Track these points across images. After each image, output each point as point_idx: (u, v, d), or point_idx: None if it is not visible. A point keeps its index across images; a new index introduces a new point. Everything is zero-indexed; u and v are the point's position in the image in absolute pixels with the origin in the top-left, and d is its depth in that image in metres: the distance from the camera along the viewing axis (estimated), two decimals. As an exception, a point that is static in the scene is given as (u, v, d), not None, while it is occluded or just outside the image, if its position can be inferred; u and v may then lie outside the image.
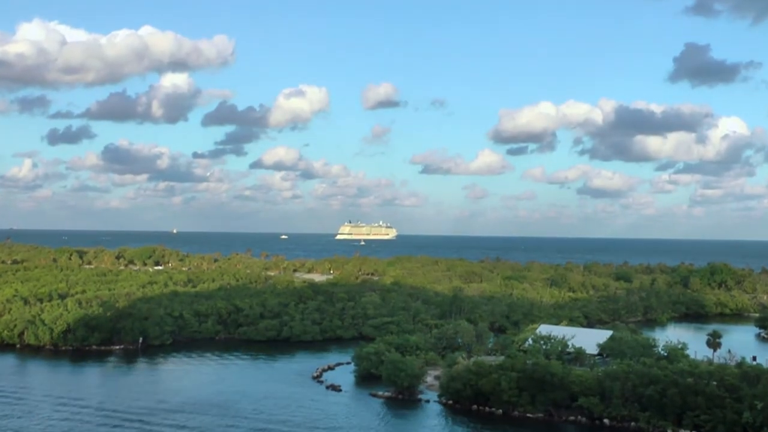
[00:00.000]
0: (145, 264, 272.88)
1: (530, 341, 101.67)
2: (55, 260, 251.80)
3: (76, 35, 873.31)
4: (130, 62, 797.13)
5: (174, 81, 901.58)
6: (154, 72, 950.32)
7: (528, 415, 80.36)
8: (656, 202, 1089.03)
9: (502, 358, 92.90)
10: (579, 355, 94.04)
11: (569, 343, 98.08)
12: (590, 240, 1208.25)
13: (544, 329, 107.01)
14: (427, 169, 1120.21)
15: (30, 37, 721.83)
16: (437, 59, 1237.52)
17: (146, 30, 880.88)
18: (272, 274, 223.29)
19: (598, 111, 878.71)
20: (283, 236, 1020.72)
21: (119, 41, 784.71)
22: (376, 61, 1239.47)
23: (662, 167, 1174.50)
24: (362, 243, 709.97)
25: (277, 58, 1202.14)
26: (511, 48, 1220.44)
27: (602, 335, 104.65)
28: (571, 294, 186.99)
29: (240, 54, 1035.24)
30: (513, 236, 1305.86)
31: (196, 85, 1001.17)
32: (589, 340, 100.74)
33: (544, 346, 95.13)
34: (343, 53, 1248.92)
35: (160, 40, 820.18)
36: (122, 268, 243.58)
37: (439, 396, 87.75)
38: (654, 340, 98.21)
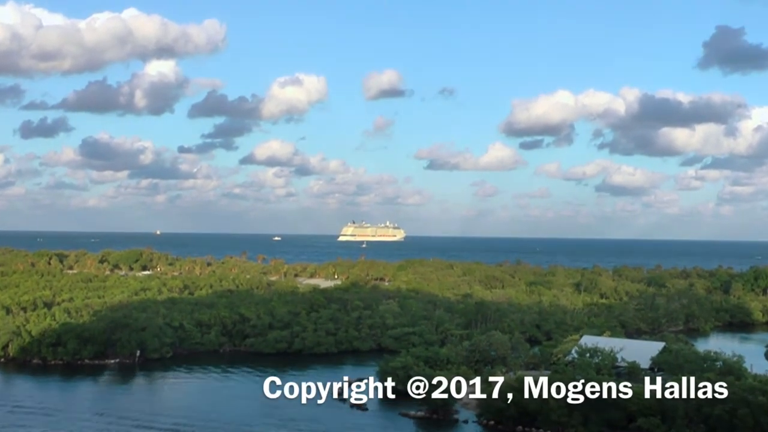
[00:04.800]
0: (131, 268, 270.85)
1: (574, 354, 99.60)
2: (33, 264, 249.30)
3: (54, 19, 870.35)
4: (112, 48, 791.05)
5: (159, 69, 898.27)
6: (138, 59, 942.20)
7: (581, 437, 78.23)
8: (681, 200, 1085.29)
9: (547, 373, 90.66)
10: (632, 370, 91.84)
11: (618, 356, 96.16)
12: (609, 241, 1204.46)
13: (588, 341, 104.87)
14: (433, 165, 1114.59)
15: (3, 21, 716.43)
16: (446, 44, 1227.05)
17: (130, 13, 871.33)
18: (273, 279, 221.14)
19: (620, 101, 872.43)
20: (276, 237, 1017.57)
21: (100, 25, 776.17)
22: (379, 46, 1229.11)
23: (688, 162, 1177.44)
24: (364, 245, 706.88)
25: (271, 44, 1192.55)
26: (525, 32, 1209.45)
27: (653, 347, 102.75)
28: (604, 301, 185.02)
29: (231, 40, 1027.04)
30: (525, 237, 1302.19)
31: (184, 73, 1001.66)
32: (639, 352, 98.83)
33: (593, 360, 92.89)
34: (343, 38, 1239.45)
35: (145, 24, 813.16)
36: (108, 273, 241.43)
37: (479, 416, 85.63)
38: (715, 353, 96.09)
